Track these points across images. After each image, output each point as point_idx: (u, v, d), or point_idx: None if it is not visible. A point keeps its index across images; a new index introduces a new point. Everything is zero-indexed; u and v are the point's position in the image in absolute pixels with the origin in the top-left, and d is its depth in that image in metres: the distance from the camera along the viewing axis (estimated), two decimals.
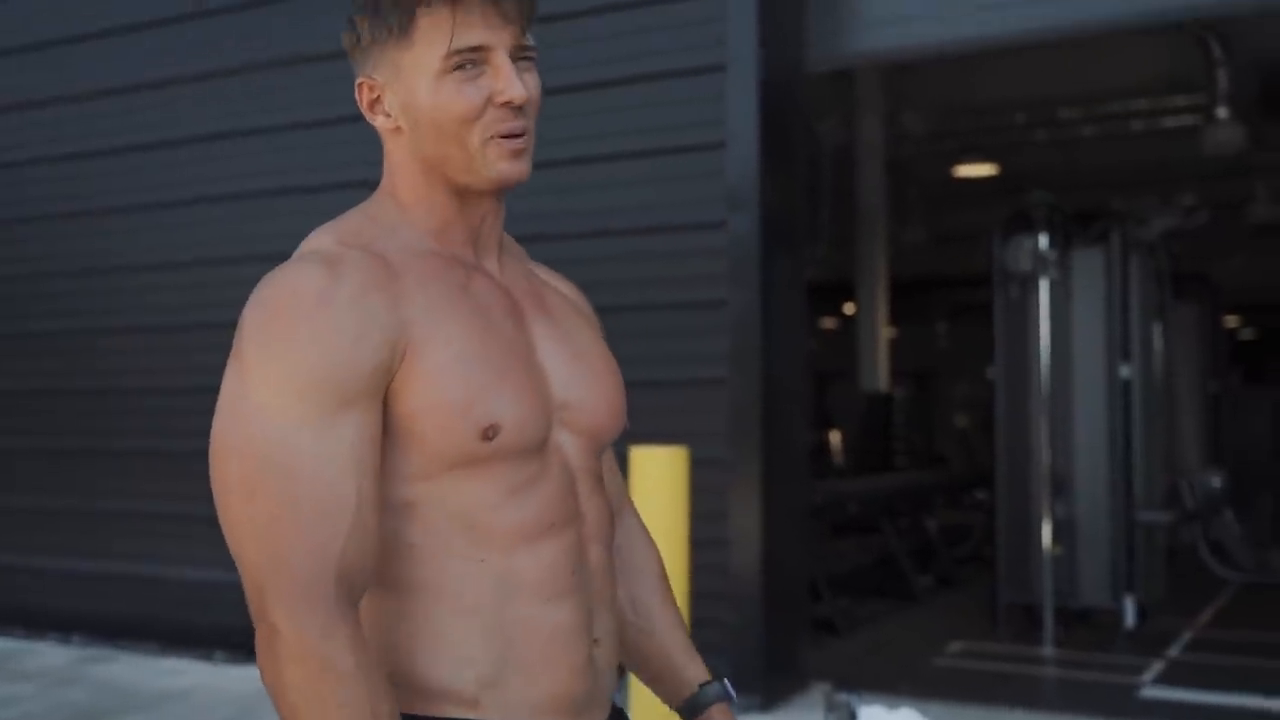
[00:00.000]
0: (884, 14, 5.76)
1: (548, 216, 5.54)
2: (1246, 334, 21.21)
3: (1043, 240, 6.55)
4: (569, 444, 1.37)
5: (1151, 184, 11.92)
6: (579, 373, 1.39)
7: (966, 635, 6.73)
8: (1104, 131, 10.23)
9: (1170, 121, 9.95)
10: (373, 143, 1.41)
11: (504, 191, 1.36)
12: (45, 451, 7.12)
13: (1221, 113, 9.03)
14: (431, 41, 1.29)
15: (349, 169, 5.95)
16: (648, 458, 4.30)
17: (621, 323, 5.28)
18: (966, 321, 13.62)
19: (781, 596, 5.47)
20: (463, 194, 1.34)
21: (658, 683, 1.58)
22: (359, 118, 1.38)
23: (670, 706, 1.58)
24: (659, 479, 4.30)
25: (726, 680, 1.55)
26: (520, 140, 1.32)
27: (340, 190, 6.00)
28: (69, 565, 6.94)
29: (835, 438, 11.93)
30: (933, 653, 6.33)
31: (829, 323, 16.37)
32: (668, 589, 1.61)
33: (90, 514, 6.92)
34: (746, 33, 5.43)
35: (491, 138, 1.30)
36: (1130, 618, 6.52)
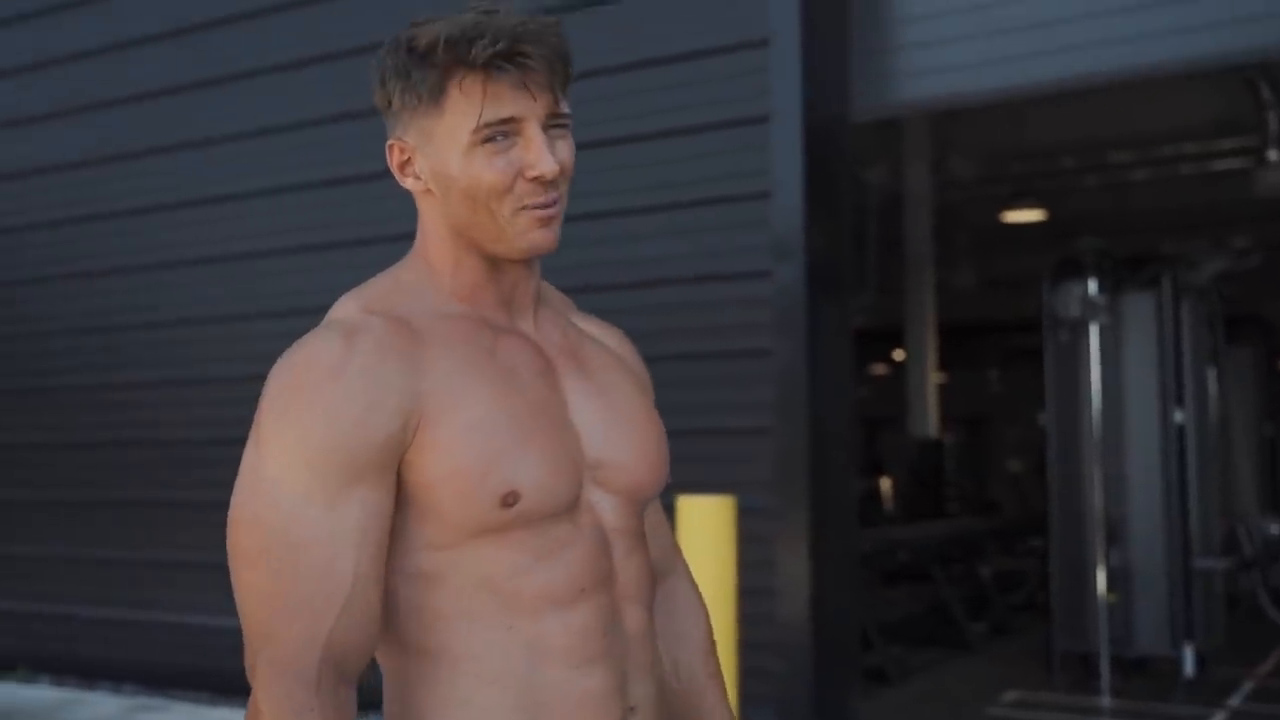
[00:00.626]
0: (927, 64, 5.78)
1: (598, 267, 5.59)
2: None
3: (1092, 285, 6.51)
4: (604, 503, 1.34)
5: (1202, 227, 11.83)
6: (616, 429, 1.37)
7: (1021, 684, 6.63)
8: (1154, 175, 10.17)
9: (1220, 164, 9.88)
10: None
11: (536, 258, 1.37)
12: (99, 502, 7.23)
13: (1273, 155, 8.94)
14: (462, 112, 1.27)
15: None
16: (694, 507, 4.31)
17: (668, 372, 5.33)
18: (1018, 367, 13.50)
19: (831, 645, 5.43)
20: (493, 260, 1.34)
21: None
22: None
23: None
24: (705, 529, 4.30)
25: None
26: (551, 209, 1.31)
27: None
28: (120, 615, 7.02)
29: (886, 484, 11.87)
30: (987, 702, 6.24)
31: (879, 369, 16.28)
32: (714, 657, 1.58)
33: (140, 564, 7.01)
34: (790, 84, 5.48)
35: (522, 208, 1.29)
36: (1189, 667, 6.40)
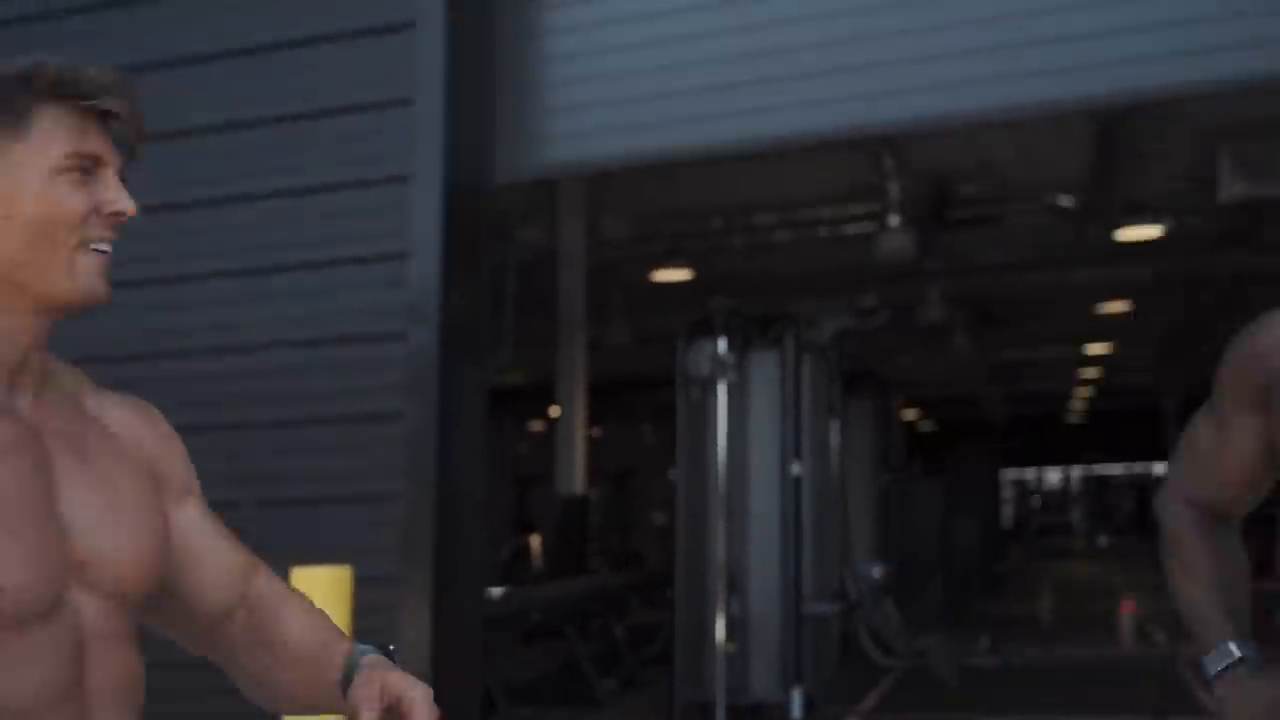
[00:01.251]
0: (571, 129, 5.80)
1: (223, 328, 5.31)
2: (927, 426, 22.51)
3: (721, 344, 6.68)
4: (88, 606, 1.24)
5: (838, 287, 12.50)
6: (110, 524, 1.27)
7: None
8: (795, 237, 10.66)
9: (851, 228, 10.46)
10: None
11: (67, 313, 1.28)
12: None
13: (893, 220, 9.57)
14: (54, 138, 1.24)
15: None
16: (308, 578, 4.10)
17: (295, 438, 5.12)
18: (667, 422, 13.88)
19: (452, 709, 5.22)
20: (20, 312, 1.24)
21: (313, 698, 1.42)
22: None
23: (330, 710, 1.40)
24: (321, 600, 4.08)
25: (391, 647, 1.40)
26: (108, 256, 1.28)
27: None
28: None
29: (535, 542, 11.82)
30: None
31: (537, 426, 16.36)
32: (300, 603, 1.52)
33: None
34: (432, 145, 5.36)
35: (88, 246, 1.25)
36: (797, 709, 6.62)
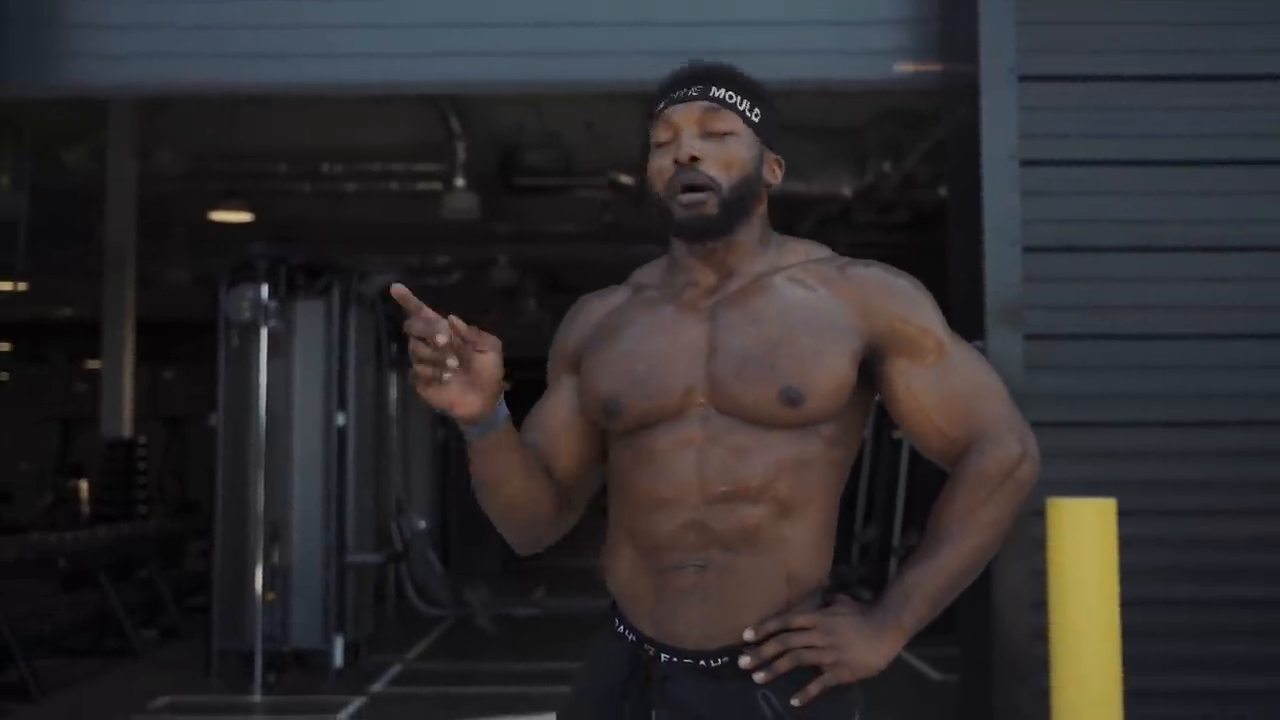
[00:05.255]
0: (103, 50, 5.57)
1: None
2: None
3: (264, 290, 6.65)
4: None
5: (410, 242, 12.64)
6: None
7: (178, 689, 6.59)
8: (364, 189, 10.65)
9: (423, 185, 10.59)
10: None
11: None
12: None
13: (459, 182, 9.80)
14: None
15: None
16: None
17: None
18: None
19: None
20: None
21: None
22: None
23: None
24: None
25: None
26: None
27: None
28: None
29: (84, 487, 11.25)
30: (135, 710, 6.11)
31: (94, 364, 15.45)
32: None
33: None
34: None
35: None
36: (339, 658, 6.75)
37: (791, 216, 10.39)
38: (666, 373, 1.71)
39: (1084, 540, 3.46)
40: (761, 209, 1.81)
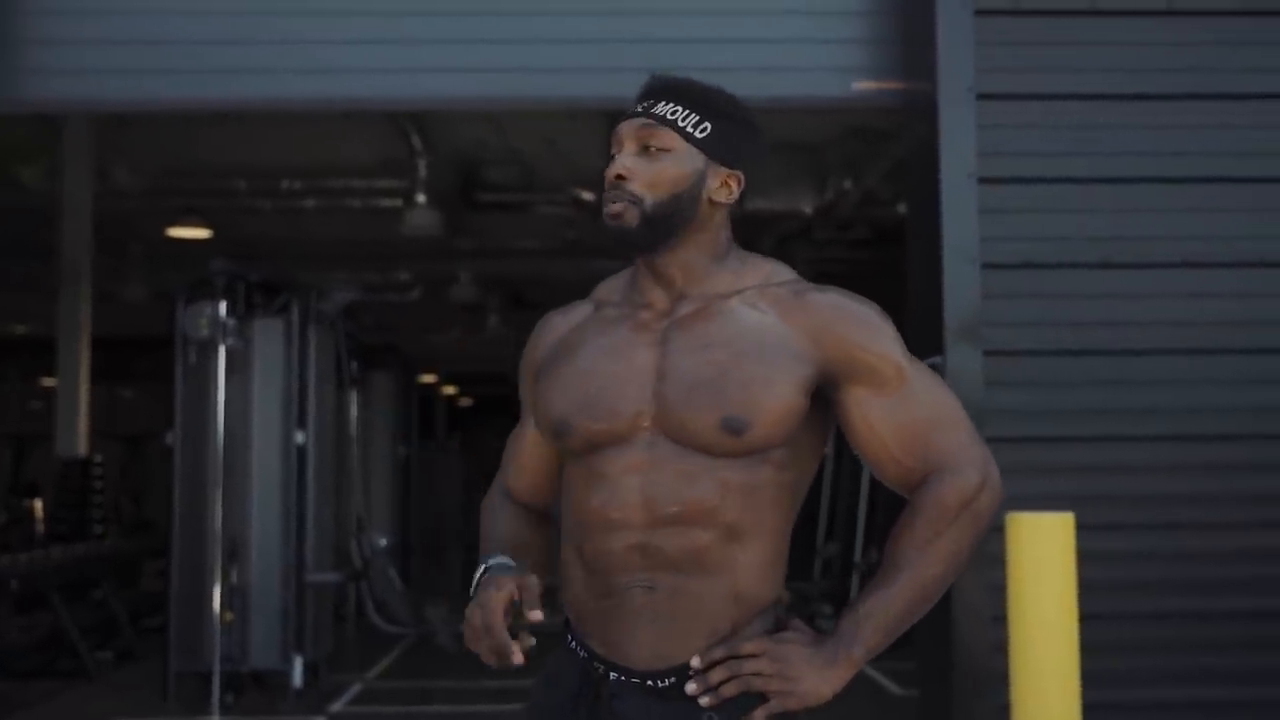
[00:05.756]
0: (60, 65, 5.52)
1: None
2: (466, 402, 23.05)
3: (223, 308, 6.60)
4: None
5: (371, 259, 12.56)
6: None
7: (135, 711, 6.52)
8: (325, 205, 10.58)
9: (384, 202, 10.54)
10: None
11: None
12: None
13: (421, 198, 9.75)
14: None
15: None
16: None
17: None
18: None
19: None
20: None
21: None
22: None
23: None
24: None
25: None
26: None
27: None
28: None
29: (39, 506, 11.10)
30: None
31: (50, 382, 15.29)
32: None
33: None
34: None
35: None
36: (298, 678, 6.69)
37: (752, 233, 10.41)
38: (615, 396, 1.72)
39: (1043, 555, 3.47)
40: (711, 227, 1.79)
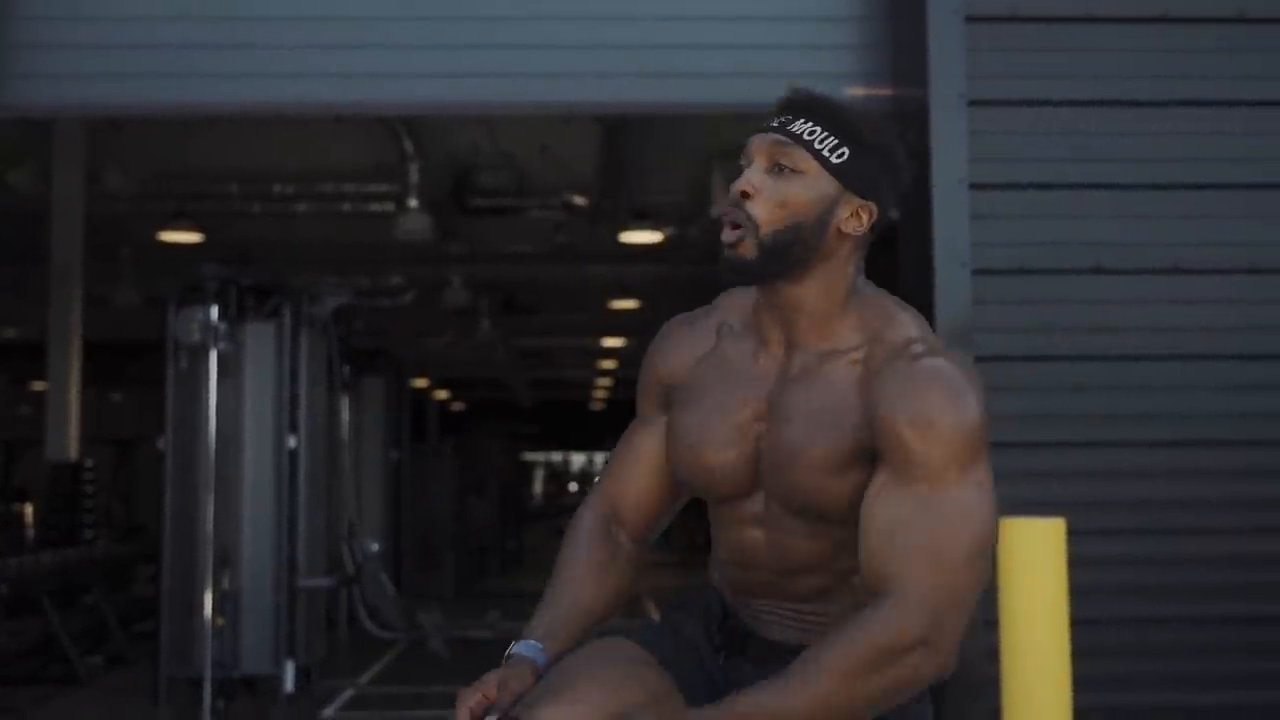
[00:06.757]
0: (48, 69, 5.51)
1: None
2: (459, 406, 23.02)
3: (214, 312, 6.58)
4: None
5: (363, 263, 12.56)
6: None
7: (127, 717, 6.49)
8: (317, 210, 10.58)
9: (376, 206, 10.54)
10: None
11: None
12: None
13: (412, 203, 9.76)
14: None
15: None
16: None
17: None
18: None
19: None
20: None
21: None
22: None
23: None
24: None
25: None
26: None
27: None
28: None
29: (29, 511, 11.07)
30: None
31: (40, 386, 15.26)
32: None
33: None
34: None
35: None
36: (290, 683, 6.67)
37: None
38: (729, 459, 1.75)
39: (1034, 559, 3.48)
40: (838, 258, 1.68)
